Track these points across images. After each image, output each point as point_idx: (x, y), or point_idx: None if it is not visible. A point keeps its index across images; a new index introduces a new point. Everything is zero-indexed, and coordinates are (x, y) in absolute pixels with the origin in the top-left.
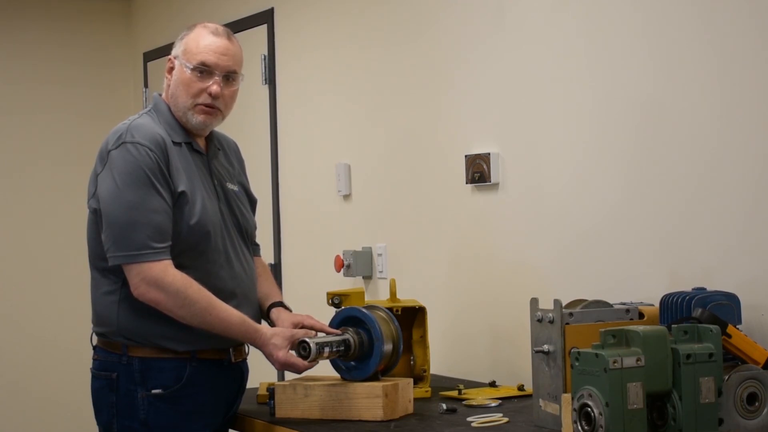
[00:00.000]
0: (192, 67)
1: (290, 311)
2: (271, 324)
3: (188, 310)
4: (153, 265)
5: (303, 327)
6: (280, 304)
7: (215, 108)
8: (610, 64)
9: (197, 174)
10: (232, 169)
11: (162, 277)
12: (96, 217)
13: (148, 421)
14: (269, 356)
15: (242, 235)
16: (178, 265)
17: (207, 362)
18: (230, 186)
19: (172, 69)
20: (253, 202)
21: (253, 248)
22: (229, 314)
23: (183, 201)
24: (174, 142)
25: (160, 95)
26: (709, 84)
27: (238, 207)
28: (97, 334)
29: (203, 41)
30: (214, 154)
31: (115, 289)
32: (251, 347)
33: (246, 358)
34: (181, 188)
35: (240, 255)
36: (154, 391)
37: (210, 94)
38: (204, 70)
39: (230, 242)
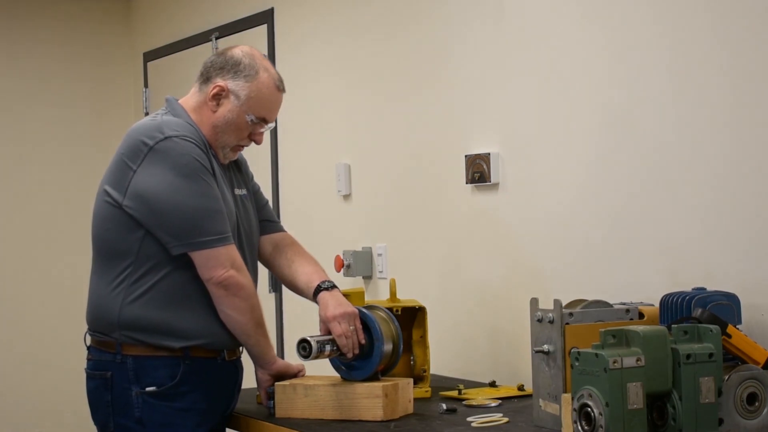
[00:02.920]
0: (255, 119)
1: (337, 289)
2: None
3: (255, 300)
4: (233, 248)
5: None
6: (325, 288)
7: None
8: (610, 64)
9: (222, 178)
10: (240, 174)
11: (242, 263)
12: (121, 212)
13: (143, 419)
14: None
15: (250, 239)
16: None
17: (200, 360)
18: (238, 192)
19: (220, 96)
20: (256, 190)
21: (273, 224)
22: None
23: None
24: None
25: (176, 99)
26: (710, 82)
27: (245, 212)
28: (92, 333)
29: (272, 97)
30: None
31: (121, 281)
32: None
33: (240, 357)
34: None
35: (247, 258)
36: (148, 389)
37: (255, 141)
38: (260, 122)
39: (240, 247)
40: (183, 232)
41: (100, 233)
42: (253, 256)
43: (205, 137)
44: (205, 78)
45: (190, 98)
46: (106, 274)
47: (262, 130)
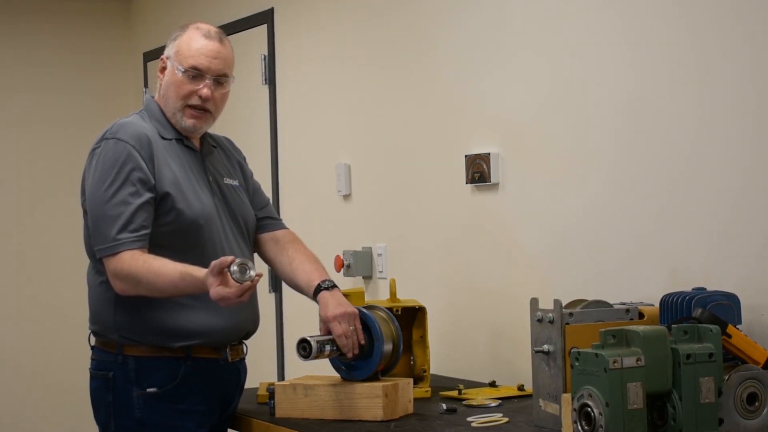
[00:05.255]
0: (183, 70)
1: (337, 289)
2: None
3: (143, 286)
4: (114, 258)
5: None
6: (325, 287)
7: (205, 110)
8: (610, 64)
9: (189, 169)
10: (231, 166)
11: (118, 268)
12: (85, 215)
13: (143, 419)
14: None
15: (240, 228)
16: (176, 260)
17: (202, 361)
18: (228, 181)
19: (164, 69)
20: (256, 188)
21: (275, 222)
22: (170, 270)
23: (170, 197)
24: (164, 138)
25: (153, 97)
26: (709, 83)
27: (236, 201)
28: (94, 334)
29: (195, 44)
30: (208, 151)
31: (110, 287)
32: (248, 347)
33: (244, 358)
34: (167, 183)
35: (235, 248)
36: (149, 390)
37: (200, 97)
38: (195, 74)
39: (225, 236)
40: (94, 239)
41: (84, 232)
42: (248, 246)
43: (166, 116)
44: None
45: None
46: (98, 275)
47: (201, 84)
